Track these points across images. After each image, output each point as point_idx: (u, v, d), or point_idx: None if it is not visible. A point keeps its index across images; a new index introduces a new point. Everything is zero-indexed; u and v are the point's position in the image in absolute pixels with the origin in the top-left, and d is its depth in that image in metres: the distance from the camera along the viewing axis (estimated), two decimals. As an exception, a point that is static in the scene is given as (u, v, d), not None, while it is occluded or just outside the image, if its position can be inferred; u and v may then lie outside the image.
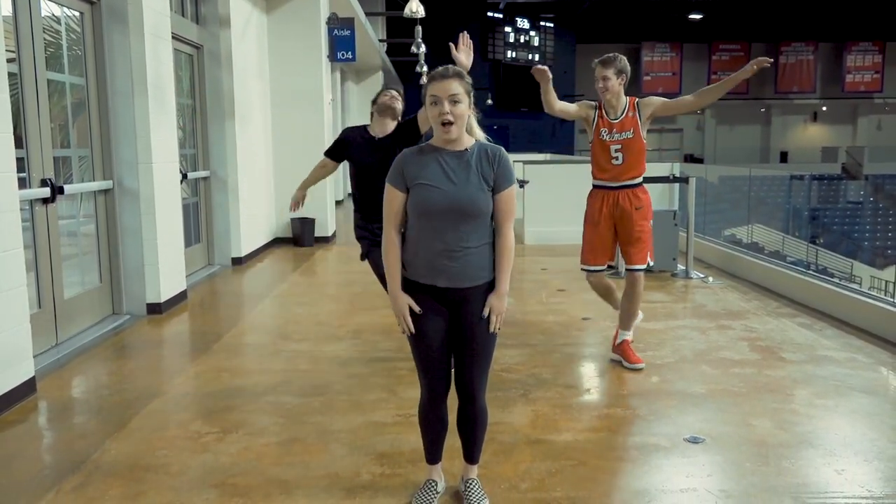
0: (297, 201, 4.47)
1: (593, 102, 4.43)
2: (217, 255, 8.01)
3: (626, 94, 4.33)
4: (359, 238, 4.30)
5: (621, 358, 4.42)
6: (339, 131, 4.62)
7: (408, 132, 4.13)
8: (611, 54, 4.25)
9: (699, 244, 7.97)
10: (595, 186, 4.45)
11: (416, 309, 2.53)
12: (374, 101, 4.26)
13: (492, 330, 2.56)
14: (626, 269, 4.46)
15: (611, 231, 4.39)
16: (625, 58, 4.33)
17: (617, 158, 4.29)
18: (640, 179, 4.37)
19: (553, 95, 4.23)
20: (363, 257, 4.32)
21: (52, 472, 3.05)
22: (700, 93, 4.31)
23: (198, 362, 4.54)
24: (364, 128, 4.33)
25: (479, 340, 2.58)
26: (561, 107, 4.33)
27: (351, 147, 4.29)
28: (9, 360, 3.77)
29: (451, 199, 2.44)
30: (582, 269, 4.51)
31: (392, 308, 2.59)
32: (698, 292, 6.56)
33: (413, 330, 2.55)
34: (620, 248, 4.44)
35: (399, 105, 4.24)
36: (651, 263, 4.58)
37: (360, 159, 4.22)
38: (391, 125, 4.22)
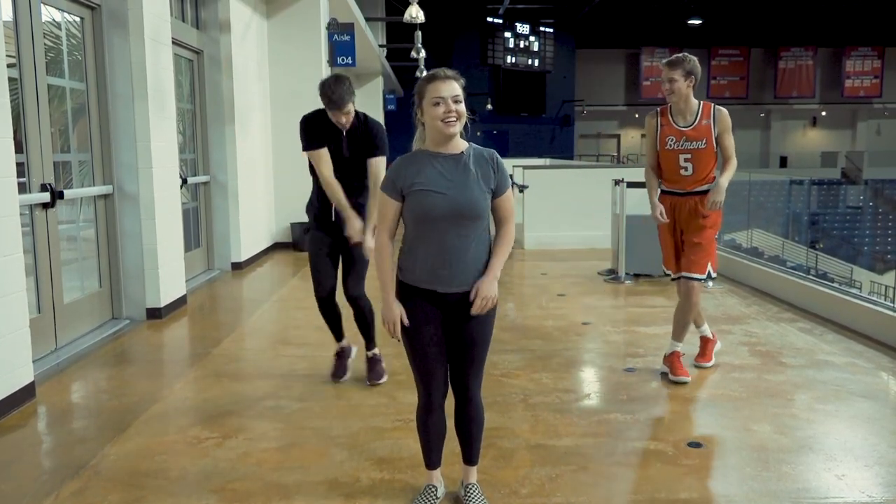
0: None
1: (654, 111, 4.16)
2: (217, 260, 8.00)
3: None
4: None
5: (668, 370, 4.24)
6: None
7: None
8: (679, 55, 3.99)
9: (699, 249, 7.96)
10: (663, 192, 4.21)
11: (406, 322, 2.53)
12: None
13: (473, 313, 2.50)
14: (681, 278, 4.17)
15: (678, 236, 4.18)
16: (695, 59, 4.05)
17: (686, 169, 4.03)
18: (707, 186, 4.09)
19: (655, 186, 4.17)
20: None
21: (51, 478, 3.04)
22: (730, 164, 4.12)
23: (197, 367, 4.54)
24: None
25: (475, 341, 2.59)
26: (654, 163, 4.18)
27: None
28: (8, 365, 3.76)
29: (451, 203, 2.45)
30: (666, 275, 4.39)
31: (382, 315, 2.58)
32: (698, 297, 6.55)
33: (399, 338, 2.56)
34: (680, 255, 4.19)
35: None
36: (713, 276, 4.25)
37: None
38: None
